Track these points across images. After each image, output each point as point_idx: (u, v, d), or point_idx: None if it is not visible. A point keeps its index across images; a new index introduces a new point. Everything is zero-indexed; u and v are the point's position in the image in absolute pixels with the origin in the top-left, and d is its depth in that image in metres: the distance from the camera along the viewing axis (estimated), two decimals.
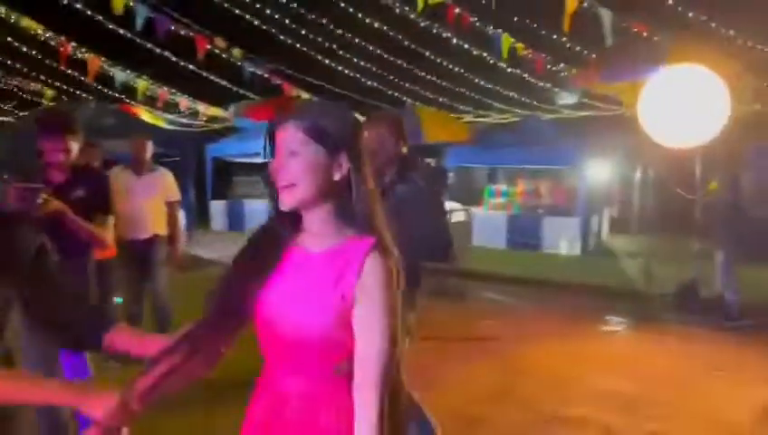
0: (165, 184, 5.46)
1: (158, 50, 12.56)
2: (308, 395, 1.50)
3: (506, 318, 7.05)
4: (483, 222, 11.75)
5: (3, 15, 11.37)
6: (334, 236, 1.50)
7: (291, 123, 1.46)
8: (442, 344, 5.90)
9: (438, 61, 13.76)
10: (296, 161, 1.45)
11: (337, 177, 1.47)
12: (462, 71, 14.07)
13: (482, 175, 14.58)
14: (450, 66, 13.90)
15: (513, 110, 16.19)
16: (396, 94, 15.48)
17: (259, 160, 12.60)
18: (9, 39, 12.78)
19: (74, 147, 3.18)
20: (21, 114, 16.04)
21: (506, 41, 10.58)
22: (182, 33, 11.11)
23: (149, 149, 5.37)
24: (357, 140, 1.50)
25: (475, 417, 4.31)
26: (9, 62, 14.25)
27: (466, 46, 12.10)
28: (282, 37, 12.91)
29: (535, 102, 15.89)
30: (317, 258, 1.50)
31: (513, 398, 4.66)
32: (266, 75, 13.48)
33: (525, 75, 13.51)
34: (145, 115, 14.35)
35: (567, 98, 17.92)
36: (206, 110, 16.11)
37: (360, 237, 1.47)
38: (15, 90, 16.62)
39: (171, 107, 15.44)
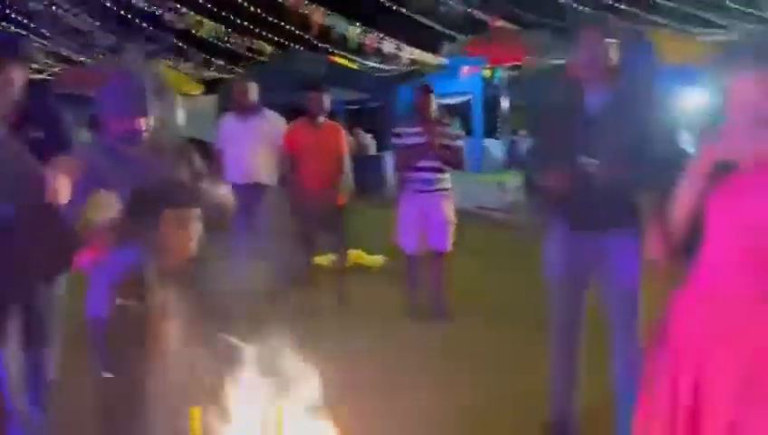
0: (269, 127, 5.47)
1: None
2: None
3: None
4: None
5: None
6: None
7: (751, 76, 1.64)
8: None
9: None
10: None
11: None
12: None
13: None
14: None
15: None
16: None
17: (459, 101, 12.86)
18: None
19: (17, 76, 2.60)
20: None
21: None
22: None
23: (253, 92, 5.44)
24: None
25: None
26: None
27: None
28: None
29: None
30: None
31: None
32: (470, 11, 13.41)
33: None
34: (351, 63, 15.16)
35: None
36: (410, 54, 16.67)
37: None
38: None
39: (378, 53, 16.11)
